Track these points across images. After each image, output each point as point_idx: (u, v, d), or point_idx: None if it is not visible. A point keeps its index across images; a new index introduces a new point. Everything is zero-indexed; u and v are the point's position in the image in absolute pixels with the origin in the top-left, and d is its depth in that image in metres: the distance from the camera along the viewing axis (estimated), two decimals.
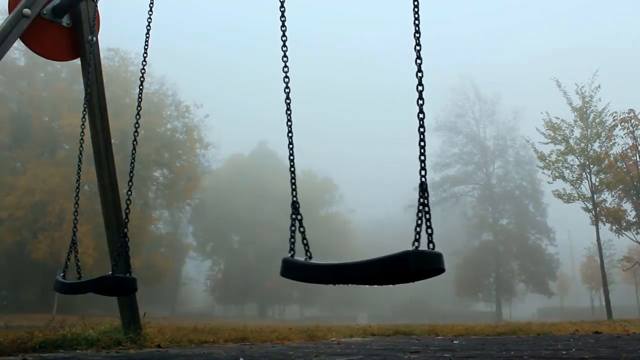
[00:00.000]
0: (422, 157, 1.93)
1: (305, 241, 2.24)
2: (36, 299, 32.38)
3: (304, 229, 2.28)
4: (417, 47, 1.99)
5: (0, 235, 29.77)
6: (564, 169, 22.69)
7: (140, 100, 3.66)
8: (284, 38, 2.54)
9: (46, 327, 5.31)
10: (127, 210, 3.43)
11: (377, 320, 32.69)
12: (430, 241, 1.85)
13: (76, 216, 3.74)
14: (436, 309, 55.35)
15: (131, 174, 3.55)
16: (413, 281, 1.97)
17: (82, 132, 3.99)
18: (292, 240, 2.24)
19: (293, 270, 2.13)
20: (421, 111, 1.94)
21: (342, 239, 57.11)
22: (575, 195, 22.45)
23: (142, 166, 34.43)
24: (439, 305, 59.18)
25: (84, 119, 4.05)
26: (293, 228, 2.25)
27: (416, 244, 1.79)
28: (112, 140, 4.64)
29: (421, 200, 1.88)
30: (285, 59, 2.51)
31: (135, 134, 3.55)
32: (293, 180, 2.41)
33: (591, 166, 22.16)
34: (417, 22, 2.01)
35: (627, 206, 22.39)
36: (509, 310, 52.59)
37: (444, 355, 3.13)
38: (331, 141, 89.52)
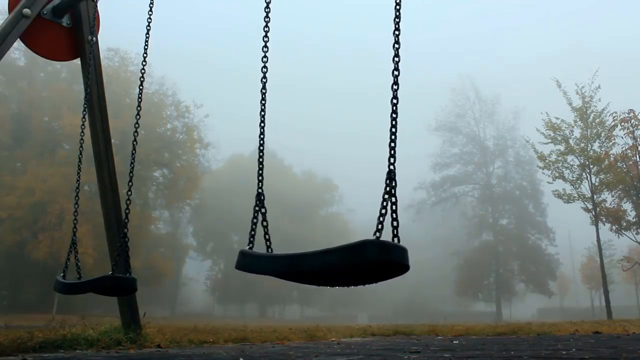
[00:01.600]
0: (393, 144, 1.85)
1: (267, 236, 2.17)
2: (36, 299, 32.38)
3: (267, 222, 2.22)
4: (396, 45, 1.96)
5: (0, 235, 29.77)
6: (564, 169, 22.68)
7: (140, 100, 3.66)
8: (266, 29, 2.53)
9: (46, 327, 5.32)
10: (127, 211, 3.43)
11: (377, 320, 32.69)
12: (395, 235, 1.73)
13: (76, 216, 3.74)
14: (436, 309, 55.36)
15: (131, 174, 3.55)
16: (375, 280, 1.86)
17: (82, 132, 4.00)
18: (252, 232, 2.15)
19: (247, 261, 2.02)
20: (395, 97, 1.91)
21: (342, 239, 56.81)
22: (575, 195, 22.44)
23: (142, 166, 34.43)
24: (439, 305, 59.18)
25: (84, 119, 4.05)
26: (255, 220, 2.16)
27: (377, 234, 1.68)
28: (112, 141, 4.65)
29: (387, 188, 1.77)
30: (265, 49, 2.49)
31: (135, 134, 3.55)
32: (260, 172, 2.35)
33: (591, 166, 22.15)
34: (397, 19, 1.99)
35: (627, 206, 22.39)
36: (509, 310, 52.62)
37: (444, 355, 3.13)
38: (331, 141, 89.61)
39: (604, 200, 22.35)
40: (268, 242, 2.14)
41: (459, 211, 50.44)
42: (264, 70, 2.49)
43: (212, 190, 49.94)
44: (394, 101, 1.92)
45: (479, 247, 48.79)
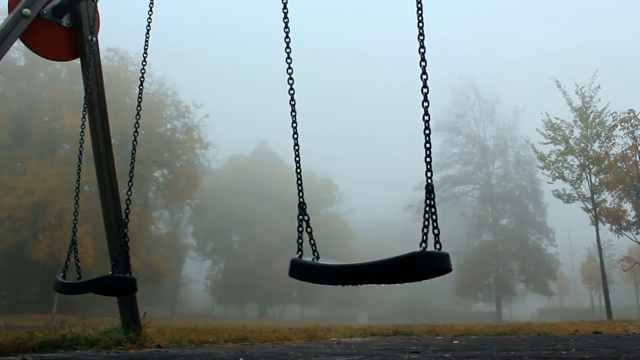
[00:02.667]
0: (428, 159, 1.95)
1: (312, 241, 2.24)
2: (36, 299, 32.38)
3: (311, 229, 2.28)
4: (422, 50, 2.00)
5: (0, 235, 29.78)
6: (563, 169, 22.68)
7: (140, 100, 3.66)
8: (287, 40, 2.54)
9: (46, 327, 5.31)
10: (127, 211, 3.43)
11: (377, 320, 32.69)
12: (437, 242, 1.86)
13: (76, 216, 3.73)
14: (436, 309, 55.36)
15: (131, 174, 3.55)
16: (420, 280, 1.99)
17: (82, 132, 3.99)
18: (300, 240, 2.24)
19: (301, 270, 2.13)
20: (426, 113, 1.95)
21: (342, 239, 57.09)
22: (575, 195, 22.44)
23: (142, 166, 34.44)
24: (439, 305, 59.19)
25: (84, 119, 4.05)
26: (300, 229, 2.25)
27: (423, 245, 1.81)
28: (112, 141, 4.65)
29: (427, 201, 1.88)
30: (289, 60, 2.51)
31: (135, 134, 3.55)
32: (299, 182, 2.44)
33: (591, 166, 22.15)
34: (421, 24, 2.02)
35: (627, 206, 22.39)
36: (509, 311, 52.61)
37: (444, 355, 3.13)
38: (331, 141, 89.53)
39: (604, 200, 22.36)
40: (314, 247, 2.20)
41: (459, 211, 50.43)
42: (290, 82, 2.49)
43: (212, 190, 49.93)
44: (426, 117, 1.97)
45: (479, 247, 48.79)
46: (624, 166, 21.96)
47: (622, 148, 22.04)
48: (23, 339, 3.61)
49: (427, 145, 1.95)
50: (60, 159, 31.52)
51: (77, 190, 3.84)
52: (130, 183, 3.51)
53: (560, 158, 22.81)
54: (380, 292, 52.97)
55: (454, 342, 4.97)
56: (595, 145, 22.35)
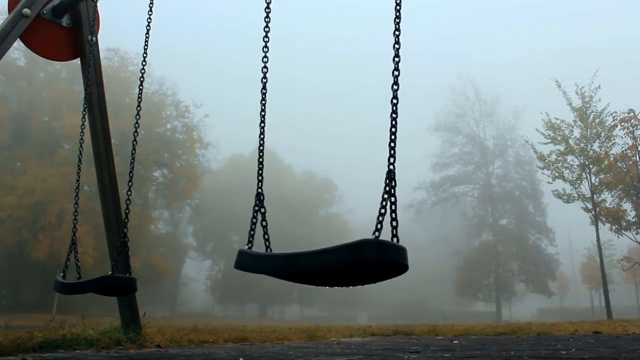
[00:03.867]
0: (392, 144, 1.86)
1: (266, 235, 2.18)
2: (36, 299, 32.37)
3: (266, 222, 2.23)
4: (397, 46, 1.96)
5: (0, 235, 29.77)
6: (563, 169, 22.67)
7: (140, 100, 3.66)
8: (266, 29, 2.53)
9: (46, 327, 5.31)
10: (127, 211, 3.43)
11: (377, 320, 32.69)
12: (394, 234, 1.73)
13: (76, 216, 3.74)
14: (436, 309, 55.34)
15: (131, 174, 3.55)
16: (374, 280, 1.86)
17: (82, 132, 4.00)
18: (252, 232, 2.17)
19: (246, 261, 2.03)
20: (395, 97, 1.91)
21: (342, 239, 56.52)
22: (575, 195, 22.44)
23: (142, 166, 34.43)
24: (439, 305, 59.16)
25: (83, 119, 4.06)
26: (254, 220, 2.18)
27: (376, 233, 1.68)
28: (112, 141, 4.65)
29: (387, 188, 1.77)
30: (265, 49, 2.50)
31: (135, 134, 3.55)
32: (260, 172, 2.36)
33: (591, 166, 22.15)
34: (397, 19, 2.00)
35: (627, 206, 22.37)
36: (509, 310, 52.61)
37: (444, 355, 3.13)
38: (331, 141, 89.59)
39: (604, 200, 22.35)
40: (267, 242, 2.14)
41: (459, 211, 50.43)
42: (264, 70, 2.49)
43: (212, 190, 49.95)
44: (394, 101, 1.92)
45: (479, 247, 48.77)
46: (624, 166, 21.95)
47: (622, 148, 22.05)
48: (23, 339, 3.61)
49: (393, 129, 1.88)
50: (60, 159, 31.51)
51: (77, 190, 3.85)
52: (130, 183, 3.51)
53: (560, 158, 22.81)
54: (380, 292, 52.98)
55: (454, 342, 4.97)
56: (595, 145, 22.36)
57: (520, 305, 54.36)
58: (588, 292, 57.39)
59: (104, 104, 4.56)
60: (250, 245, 2.14)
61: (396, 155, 1.84)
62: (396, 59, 1.95)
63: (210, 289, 59.53)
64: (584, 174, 22.29)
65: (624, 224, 22.13)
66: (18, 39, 3.98)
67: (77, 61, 4.65)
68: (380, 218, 1.72)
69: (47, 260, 29.39)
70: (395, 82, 1.94)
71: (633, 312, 38.99)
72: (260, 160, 2.38)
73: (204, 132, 41.23)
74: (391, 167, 1.81)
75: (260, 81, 2.48)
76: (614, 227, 22.24)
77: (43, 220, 30.24)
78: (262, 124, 2.46)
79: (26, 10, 3.93)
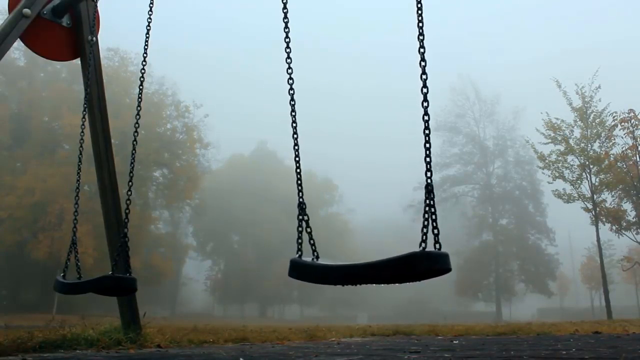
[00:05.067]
0: (428, 159, 1.95)
1: (312, 241, 2.24)
2: (36, 299, 32.38)
3: (310, 229, 2.28)
4: (422, 50, 2.00)
5: (0, 235, 29.77)
6: (563, 169, 22.68)
7: (140, 100, 3.66)
8: (287, 40, 2.54)
9: (46, 327, 5.31)
10: (127, 211, 3.43)
11: (377, 320, 32.68)
12: (436, 241, 1.85)
13: (76, 216, 3.74)
14: (436, 309, 55.35)
15: (131, 174, 3.55)
16: (420, 280, 1.98)
17: (82, 132, 3.99)
18: (300, 241, 2.24)
19: (301, 271, 2.13)
20: (426, 113, 1.96)
21: (342, 239, 57.12)
22: (575, 195, 22.44)
23: (142, 166, 34.44)
24: (439, 305, 59.17)
25: (84, 119, 4.05)
26: (300, 229, 2.25)
27: (423, 245, 1.81)
28: (112, 141, 4.64)
29: (427, 201, 1.89)
30: (289, 60, 2.52)
31: (135, 134, 3.55)
32: (299, 182, 2.44)
33: (591, 166, 22.15)
34: (420, 24, 2.02)
35: (627, 206, 22.37)
36: (509, 310, 52.61)
37: (444, 355, 3.13)
38: (331, 142, 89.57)
39: (604, 200, 22.35)
40: (313, 248, 2.20)
41: (459, 211, 50.43)
42: (290, 82, 2.50)
43: (212, 190, 49.94)
44: (426, 117, 1.97)
45: (479, 247, 48.78)
46: (624, 166, 21.95)
47: (622, 148, 22.05)
48: (23, 339, 3.61)
49: (427, 145, 1.95)
50: (60, 159, 31.51)
51: (77, 190, 3.84)
52: (130, 183, 3.51)
53: (560, 158, 22.81)
54: (380, 292, 52.99)
55: (454, 342, 4.97)
56: (596, 145, 22.36)
57: (520, 305, 54.35)
58: (588, 292, 57.39)
59: (104, 104, 4.56)
60: (300, 253, 2.21)
61: (432, 169, 1.96)
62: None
63: (210, 289, 59.54)
64: (584, 174, 22.29)
65: (624, 224, 22.13)
66: (18, 39, 3.98)
67: (77, 61, 4.65)
68: (424, 229, 1.84)
69: (47, 260, 29.40)
70: (425, 99, 2.00)
71: (633, 312, 38.99)
72: (298, 170, 2.47)
73: (204, 132, 41.27)
74: (429, 180, 1.94)
75: (287, 92, 2.48)
76: (614, 227, 22.25)
77: (43, 220, 30.24)
78: (295, 136, 2.48)
79: (26, 10, 3.93)
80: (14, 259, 31.80)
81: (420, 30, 2.02)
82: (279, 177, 53.74)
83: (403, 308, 57.25)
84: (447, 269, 1.82)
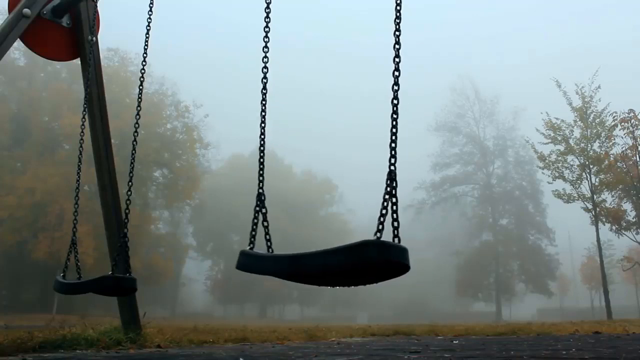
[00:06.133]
0: (393, 145, 1.86)
1: (267, 236, 2.18)
2: (36, 299, 32.38)
3: (267, 222, 2.22)
4: (397, 46, 1.96)
5: (0, 235, 29.76)
6: (563, 169, 22.69)
7: (140, 100, 3.66)
8: (266, 29, 2.54)
9: (46, 327, 5.31)
10: (127, 211, 3.43)
11: (377, 320, 32.69)
12: (395, 235, 1.74)
13: (76, 216, 3.74)
14: (436, 309, 55.33)
15: (131, 174, 3.55)
16: (376, 280, 1.87)
17: (82, 132, 4.00)
18: (253, 233, 2.17)
19: (248, 261, 2.04)
20: (396, 97, 1.91)
21: (342, 239, 56.82)
22: (575, 195, 22.45)
23: (142, 166, 34.41)
24: (439, 306, 59.16)
25: (83, 119, 4.06)
26: (256, 221, 2.18)
27: (378, 234, 1.69)
28: (112, 141, 4.65)
29: (388, 189, 1.78)
30: (265, 49, 2.50)
31: (135, 134, 3.55)
32: (261, 172, 2.36)
33: (591, 166, 22.16)
34: (398, 20, 2.00)
35: (627, 206, 22.38)
36: (509, 311, 52.60)
37: (444, 355, 3.13)
38: (331, 142, 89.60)
39: (604, 200, 22.36)
40: (268, 242, 2.14)
41: (459, 211, 50.43)
42: (265, 70, 2.49)
43: (212, 190, 49.95)
44: (395, 102, 1.92)
45: (479, 247, 48.78)
46: (624, 166, 21.95)
47: (622, 148, 22.06)
48: (23, 339, 3.61)
49: (394, 130, 1.89)
50: (60, 159, 31.49)
51: (77, 190, 3.85)
52: (130, 183, 3.51)
53: (560, 158, 22.82)
54: (380, 292, 52.99)
55: (454, 342, 4.97)
56: (596, 145, 22.38)
57: (520, 305, 54.35)
58: (588, 292, 57.37)
59: (104, 104, 4.56)
60: (251, 246, 2.14)
61: (397, 155, 1.84)
62: (396, 60, 1.95)
63: (210, 289, 59.52)
64: (584, 174, 22.30)
65: (624, 224, 22.14)
66: (18, 39, 3.98)
67: (77, 61, 4.64)
68: (382, 219, 1.73)
69: (47, 260, 29.38)
70: (396, 83, 1.93)
71: (633, 312, 38.99)
72: (261, 160, 2.38)
73: (204, 132, 41.25)
74: (392, 167, 1.81)
75: (260, 81, 2.48)
76: (614, 227, 22.25)
77: (43, 220, 30.23)
78: (263, 124, 2.47)
79: (26, 10, 3.93)
80: (14, 259, 31.79)
81: (397, 26, 1.98)
82: (279, 177, 53.74)
83: (403, 308, 57.24)
84: (404, 265, 1.67)
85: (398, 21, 1.99)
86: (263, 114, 2.47)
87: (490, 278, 48.09)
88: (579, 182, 22.34)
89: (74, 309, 23.95)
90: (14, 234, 30.05)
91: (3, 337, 3.81)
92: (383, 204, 1.75)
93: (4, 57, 3.81)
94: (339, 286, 2.01)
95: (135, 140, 3.53)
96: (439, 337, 6.06)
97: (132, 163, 3.56)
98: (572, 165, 22.59)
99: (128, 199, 3.42)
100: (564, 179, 22.58)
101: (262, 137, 2.44)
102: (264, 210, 2.21)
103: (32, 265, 30.99)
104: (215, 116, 47.03)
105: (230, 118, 79.44)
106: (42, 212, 30.30)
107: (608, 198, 22.49)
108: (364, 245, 1.62)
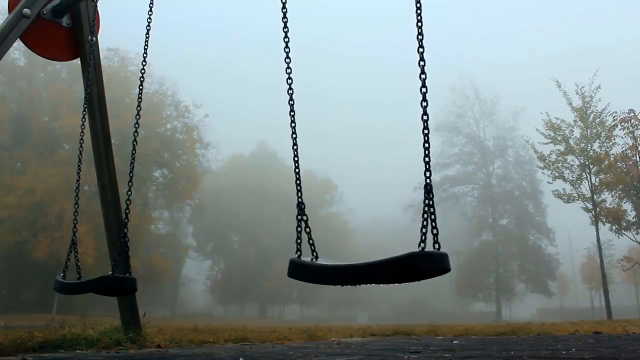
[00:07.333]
0: (427, 159, 1.95)
1: (311, 242, 2.25)
2: (36, 299, 32.37)
3: (309, 229, 2.28)
4: (421, 49, 2.01)
5: (0, 235, 29.76)
6: (563, 169, 22.70)
7: (140, 100, 3.66)
8: (286, 39, 2.55)
9: (46, 327, 5.31)
10: (127, 211, 3.43)
11: (377, 320, 32.69)
12: (435, 241, 1.86)
13: (76, 216, 3.74)
14: (436, 309, 55.35)
15: (131, 174, 3.54)
16: (419, 280, 1.99)
17: (82, 132, 3.99)
18: (299, 241, 2.25)
19: (300, 271, 2.15)
20: (425, 113, 1.96)
21: (342, 239, 57.10)
22: (575, 195, 22.45)
23: (142, 166, 34.41)
24: (439, 305, 59.17)
25: (83, 119, 4.05)
26: (299, 229, 2.25)
27: (422, 245, 1.82)
28: (112, 141, 4.64)
29: (426, 201, 1.89)
30: (288, 60, 2.52)
31: (135, 134, 3.55)
32: (298, 182, 2.45)
33: (591, 166, 22.16)
34: (420, 24, 2.02)
35: (627, 206, 22.39)
36: (509, 311, 52.60)
37: (444, 355, 3.13)
38: (331, 143, 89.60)
39: (604, 200, 22.36)
40: (312, 247, 2.21)
41: (459, 211, 50.42)
42: (289, 81, 2.51)
43: (212, 190, 49.94)
44: (424, 117, 1.98)
45: (479, 247, 48.77)
46: (624, 166, 21.96)
47: (622, 148, 22.08)
48: (23, 339, 3.61)
49: (427, 145, 1.96)
50: (60, 159, 31.49)
51: (77, 190, 3.84)
52: (130, 183, 3.51)
53: (560, 158, 22.83)
54: (380, 292, 53.01)
55: (454, 342, 4.97)
56: (596, 145, 22.38)
57: (520, 305, 54.35)
58: (588, 292, 57.39)
59: (104, 104, 4.56)
60: (299, 253, 2.22)
61: (431, 169, 1.98)
62: (421, 63, 2.01)
63: (210, 289, 59.53)
64: (584, 174, 22.30)
65: (624, 224, 22.15)
66: (18, 39, 3.98)
67: (77, 61, 4.64)
68: (424, 229, 1.85)
69: (47, 260, 29.37)
70: (424, 99, 2.01)
71: (633, 312, 39.00)
72: (297, 170, 2.49)
73: (204, 132, 41.25)
74: (427, 180, 1.95)
75: (286, 92, 2.49)
76: (614, 227, 22.26)
77: (43, 220, 30.23)
78: (294, 135, 2.48)
79: (26, 10, 3.93)
80: (14, 259, 31.77)
81: (420, 30, 2.02)
82: (279, 177, 53.72)
83: (403, 308, 57.25)
84: (446, 269, 1.83)
85: (420, 24, 2.03)
86: (293, 124, 2.49)
87: (490, 278, 48.09)
88: (579, 182, 22.35)
89: (74, 309, 23.94)
90: (14, 234, 30.04)
91: (3, 337, 3.80)
92: (423, 215, 1.86)
93: (4, 57, 3.81)
94: (382, 284, 2.10)
95: (135, 140, 3.53)
96: (439, 337, 6.06)
97: (132, 163, 3.56)
98: (572, 165, 22.60)
99: (128, 199, 3.42)
100: (564, 179, 22.59)
101: (295, 147, 2.48)
102: (305, 218, 2.29)
103: (32, 265, 30.98)
104: (215, 116, 47.05)
105: (230, 118, 79.51)
106: (42, 212, 30.30)
107: (608, 198, 22.53)
108: (412, 257, 1.77)
